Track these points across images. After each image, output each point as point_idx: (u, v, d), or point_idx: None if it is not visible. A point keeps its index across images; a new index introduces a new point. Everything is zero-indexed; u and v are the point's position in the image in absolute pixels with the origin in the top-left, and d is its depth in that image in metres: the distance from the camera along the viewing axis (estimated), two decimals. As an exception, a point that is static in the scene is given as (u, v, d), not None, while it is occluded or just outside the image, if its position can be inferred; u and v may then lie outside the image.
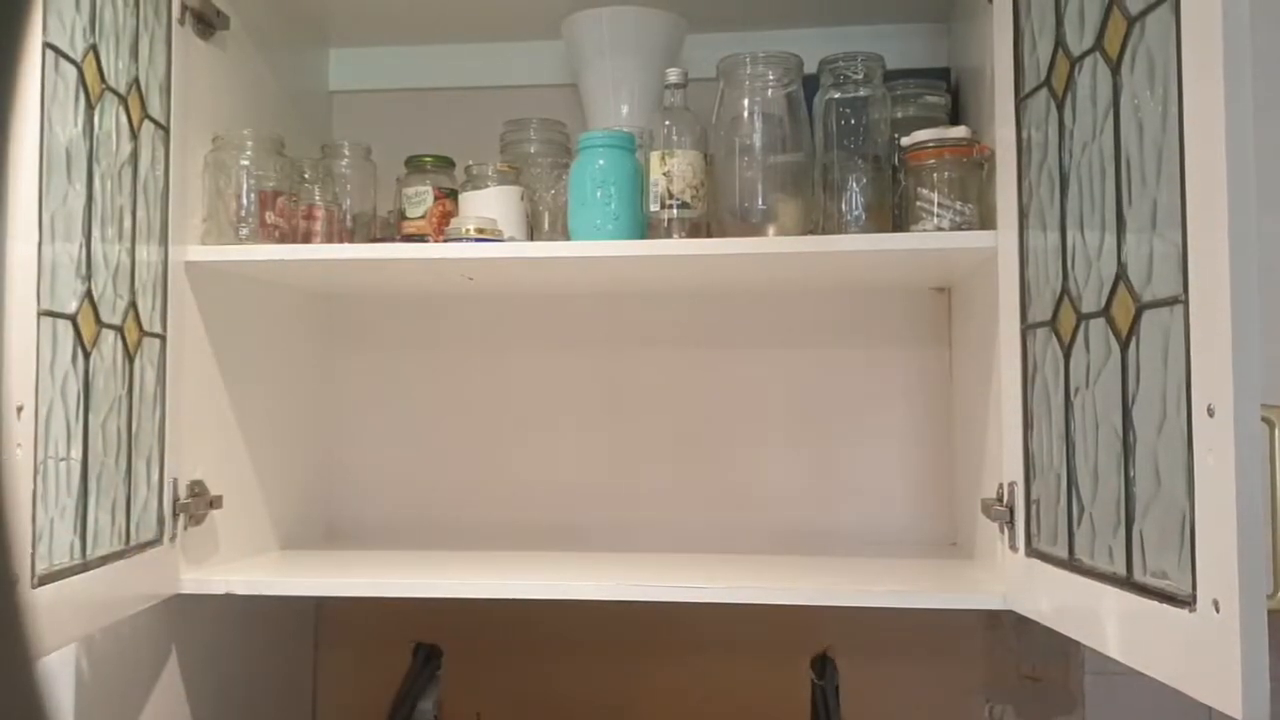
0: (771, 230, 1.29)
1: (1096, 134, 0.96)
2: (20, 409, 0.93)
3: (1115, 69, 0.92)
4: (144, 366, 1.18)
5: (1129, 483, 0.90)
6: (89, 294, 1.06)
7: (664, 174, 1.28)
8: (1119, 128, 0.91)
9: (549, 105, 1.57)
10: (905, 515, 1.59)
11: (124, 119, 1.14)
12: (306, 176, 1.40)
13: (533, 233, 1.41)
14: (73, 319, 1.03)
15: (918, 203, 1.25)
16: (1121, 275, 0.91)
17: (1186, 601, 0.81)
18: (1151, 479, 0.87)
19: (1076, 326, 1.00)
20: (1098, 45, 0.95)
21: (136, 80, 1.16)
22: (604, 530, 1.62)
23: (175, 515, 1.23)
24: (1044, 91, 1.06)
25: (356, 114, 1.73)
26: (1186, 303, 0.80)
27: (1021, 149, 1.12)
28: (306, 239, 1.37)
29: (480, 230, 1.31)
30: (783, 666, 1.54)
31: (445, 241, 1.33)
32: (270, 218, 1.33)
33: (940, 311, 1.60)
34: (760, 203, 1.30)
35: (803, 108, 1.31)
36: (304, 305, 1.63)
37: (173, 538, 1.23)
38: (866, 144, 1.29)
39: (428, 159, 1.44)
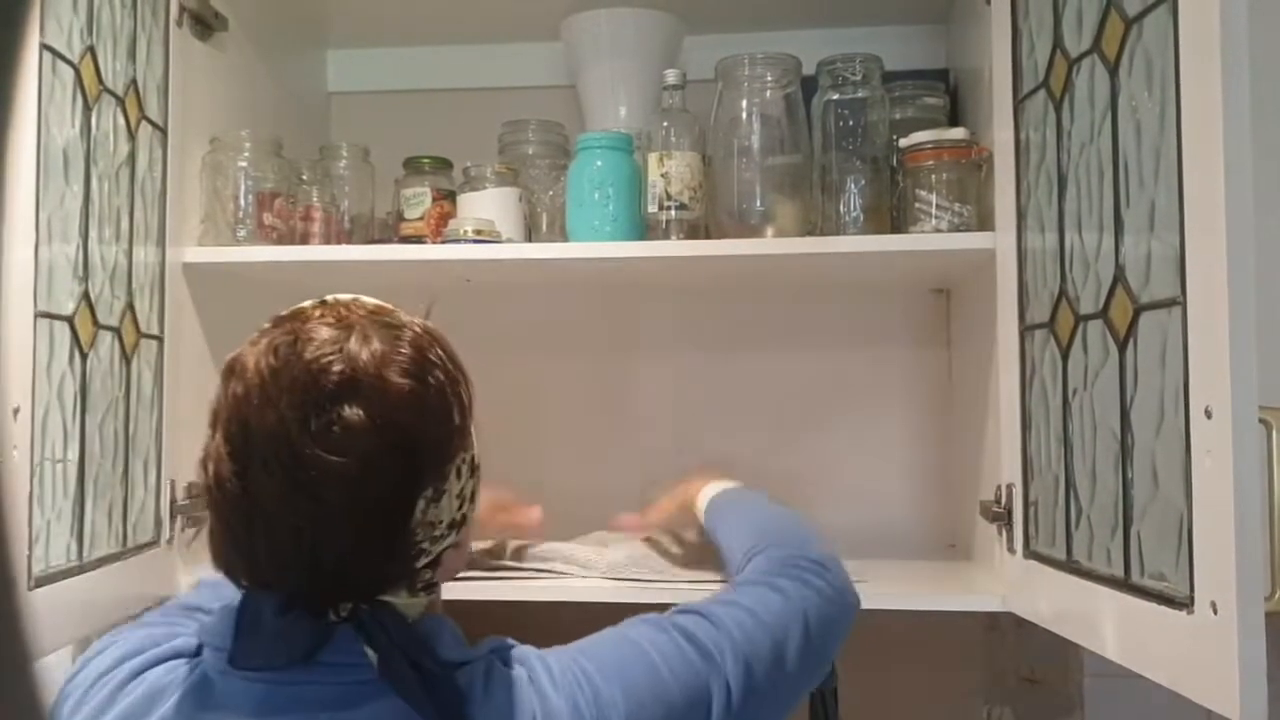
0: (770, 231, 1.29)
1: (1094, 135, 0.96)
2: (17, 410, 0.93)
3: (1113, 70, 0.92)
4: (141, 368, 1.18)
5: (1127, 484, 0.90)
6: (86, 295, 1.06)
7: (662, 175, 1.28)
8: (1117, 129, 0.91)
9: (547, 107, 1.57)
10: (903, 517, 1.59)
11: (121, 120, 1.14)
12: (304, 178, 1.40)
13: (531, 234, 1.41)
14: (70, 320, 1.03)
15: (916, 204, 1.25)
16: (1119, 277, 0.91)
17: (1184, 603, 0.81)
18: (1149, 481, 0.87)
19: (1075, 328, 1.00)
20: (1096, 47, 0.95)
21: (134, 82, 1.16)
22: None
23: (172, 517, 1.23)
24: (1042, 93, 1.06)
25: (354, 115, 1.73)
26: (1184, 304, 0.80)
27: (1020, 150, 1.12)
28: (304, 240, 1.37)
29: (478, 232, 1.30)
30: (781, 668, 1.53)
31: (443, 243, 1.33)
32: (268, 219, 1.33)
33: (939, 313, 1.60)
34: (758, 204, 1.30)
35: (801, 109, 1.31)
36: (302, 307, 1.63)
37: (170, 539, 1.23)
38: (865, 145, 1.29)
39: (426, 160, 1.44)
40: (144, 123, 1.18)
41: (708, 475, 1.18)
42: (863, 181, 1.28)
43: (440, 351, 0.75)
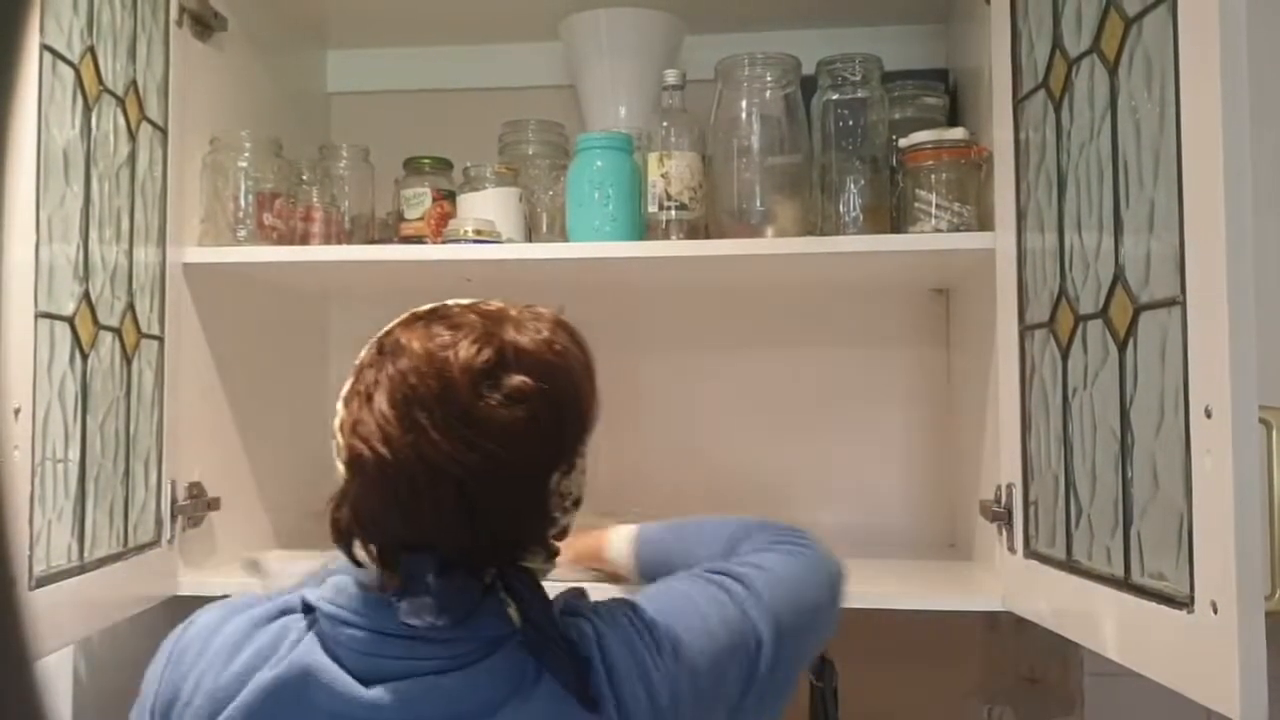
0: (769, 231, 1.29)
1: (1094, 135, 0.96)
2: (18, 411, 0.93)
3: (1113, 70, 0.92)
4: (142, 368, 1.18)
5: (1127, 484, 0.90)
6: (87, 295, 1.06)
7: (662, 175, 1.28)
8: (1116, 129, 0.91)
9: (547, 107, 1.57)
10: (903, 517, 1.59)
11: (121, 121, 1.14)
12: (304, 178, 1.40)
13: (531, 234, 1.41)
14: (70, 321, 1.03)
15: (915, 204, 1.25)
16: (1119, 276, 0.91)
17: (1184, 603, 0.81)
18: (1149, 480, 0.87)
19: (1074, 328, 1.00)
20: (1095, 46, 0.95)
21: (134, 82, 1.16)
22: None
23: (173, 517, 1.23)
24: (1041, 93, 1.06)
25: (354, 115, 1.73)
26: (1184, 304, 0.80)
27: (1019, 150, 1.12)
28: (304, 240, 1.37)
29: (478, 232, 1.31)
30: (781, 668, 1.53)
31: (443, 243, 1.33)
32: (268, 219, 1.33)
33: (938, 313, 1.60)
34: (758, 204, 1.30)
35: (801, 109, 1.31)
36: (302, 306, 1.63)
37: (170, 540, 1.23)
38: (864, 145, 1.29)
39: (426, 160, 1.44)
40: (144, 123, 1.19)
41: (592, 530, 1.15)
42: (862, 181, 1.28)
43: (579, 341, 0.85)
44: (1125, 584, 0.90)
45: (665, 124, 1.30)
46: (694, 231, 1.30)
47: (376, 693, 0.73)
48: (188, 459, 1.27)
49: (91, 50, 1.07)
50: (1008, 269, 1.14)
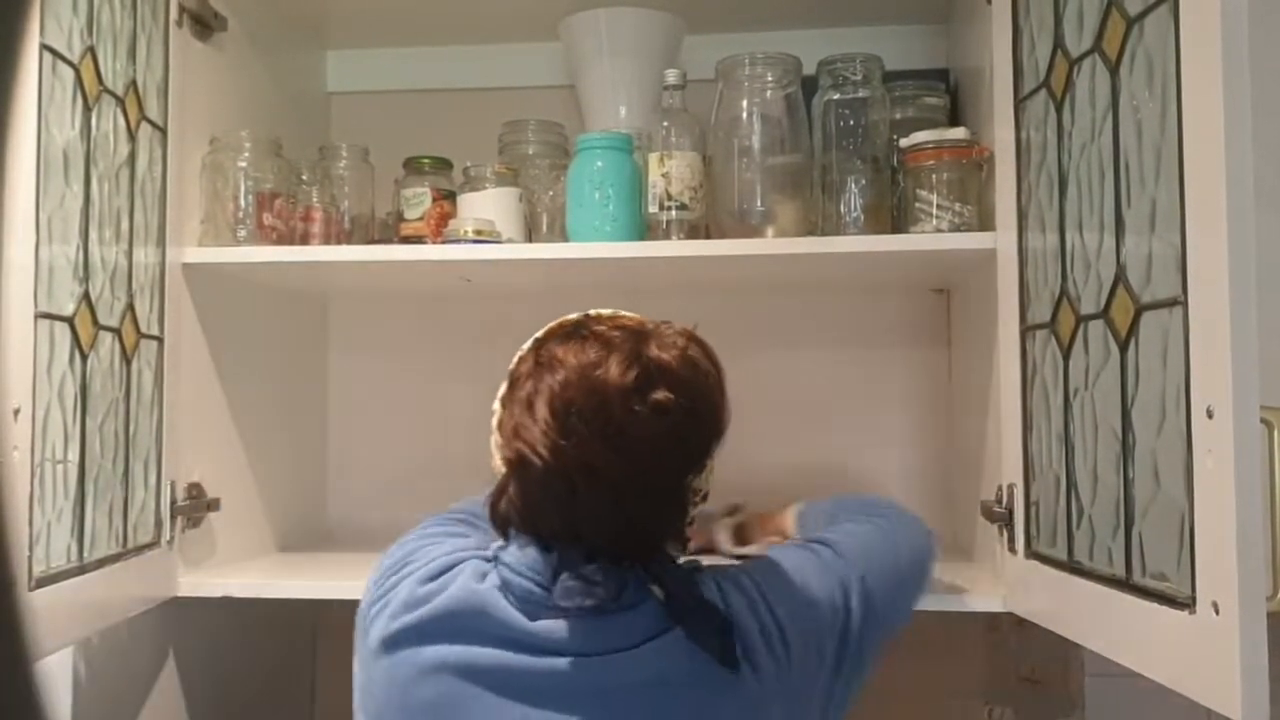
0: (770, 231, 1.29)
1: (1095, 135, 0.96)
2: (17, 411, 0.93)
3: (1114, 70, 0.92)
4: (141, 369, 1.18)
5: (1128, 484, 0.90)
6: (86, 296, 1.06)
7: (662, 175, 1.28)
8: (1118, 129, 0.91)
9: (547, 107, 1.57)
10: (904, 517, 1.59)
11: (121, 121, 1.13)
12: (304, 178, 1.40)
13: (531, 234, 1.41)
14: (70, 321, 1.03)
15: (916, 204, 1.25)
16: (1120, 277, 0.91)
17: (1186, 603, 0.81)
18: (1151, 481, 0.87)
19: (1076, 328, 1.00)
20: (1097, 46, 0.95)
21: (134, 82, 1.16)
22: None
23: (173, 518, 1.23)
24: (1043, 92, 1.06)
25: (354, 116, 1.73)
26: (1185, 304, 0.80)
27: (1020, 150, 1.12)
28: (304, 241, 1.37)
29: (478, 232, 1.30)
30: (782, 668, 1.53)
31: (443, 243, 1.33)
32: (268, 219, 1.33)
33: (939, 313, 1.60)
34: (759, 204, 1.29)
35: (801, 109, 1.31)
36: (302, 307, 1.63)
37: (170, 540, 1.23)
38: (865, 145, 1.29)
39: (426, 160, 1.44)
40: (144, 123, 1.18)
41: (776, 510, 1.32)
42: (863, 181, 1.28)
43: (711, 355, 0.94)
44: (1126, 584, 0.90)
45: (666, 124, 1.30)
46: (694, 231, 1.30)
47: (539, 624, 0.84)
48: (187, 459, 1.27)
49: (91, 50, 1.07)
50: (1009, 269, 1.14)
